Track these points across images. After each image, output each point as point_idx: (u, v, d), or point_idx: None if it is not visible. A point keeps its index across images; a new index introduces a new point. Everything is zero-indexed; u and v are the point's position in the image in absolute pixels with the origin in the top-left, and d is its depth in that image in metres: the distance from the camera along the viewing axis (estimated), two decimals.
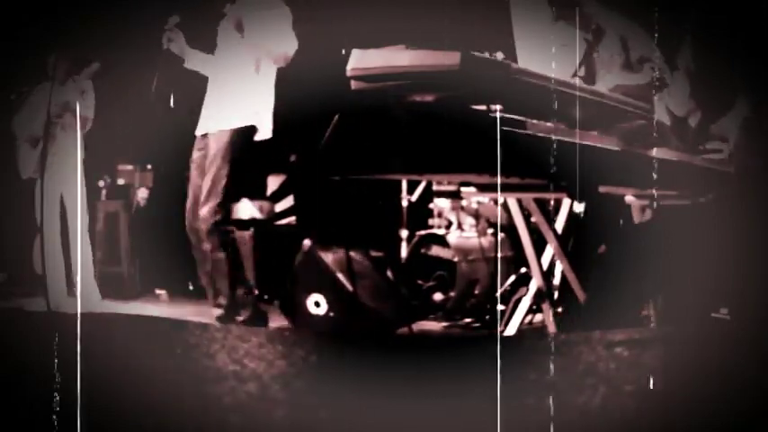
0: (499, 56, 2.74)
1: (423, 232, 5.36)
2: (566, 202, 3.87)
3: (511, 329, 4.04)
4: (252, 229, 5.85)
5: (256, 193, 6.36)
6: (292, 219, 6.14)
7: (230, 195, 3.94)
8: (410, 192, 5.70)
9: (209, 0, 4.13)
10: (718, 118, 3.76)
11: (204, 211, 3.90)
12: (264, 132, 4.04)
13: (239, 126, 3.95)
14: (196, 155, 4.08)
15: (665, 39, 3.92)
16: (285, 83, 4.24)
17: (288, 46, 3.99)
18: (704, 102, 3.72)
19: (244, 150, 3.95)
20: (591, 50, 4.02)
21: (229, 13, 4.04)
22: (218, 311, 3.97)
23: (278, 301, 4.56)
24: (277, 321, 4.39)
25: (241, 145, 3.94)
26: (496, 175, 2.76)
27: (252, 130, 4.00)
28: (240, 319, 3.95)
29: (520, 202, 3.69)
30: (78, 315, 3.03)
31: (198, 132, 4.09)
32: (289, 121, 4.28)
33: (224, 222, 3.91)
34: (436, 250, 5.24)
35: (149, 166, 6.04)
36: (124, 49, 4.38)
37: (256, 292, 3.99)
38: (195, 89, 4.22)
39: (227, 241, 3.92)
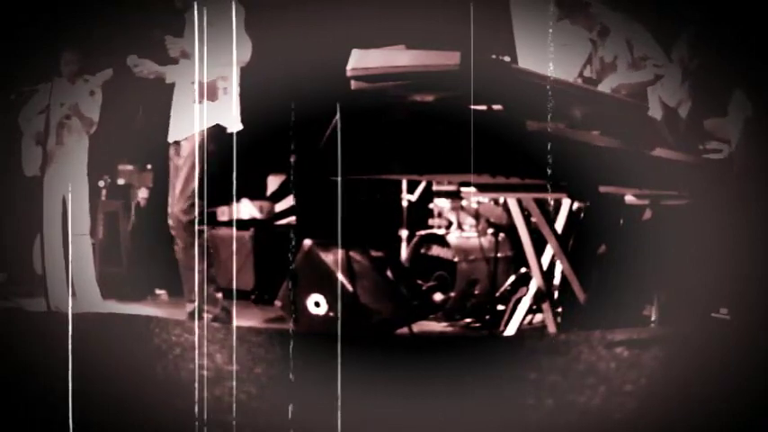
0: (506, 59, 2.74)
1: (423, 232, 5.36)
2: (566, 202, 3.87)
3: (511, 329, 4.04)
4: (252, 229, 5.86)
5: (256, 193, 6.36)
6: (292, 219, 6.14)
7: (201, 196, 4.01)
8: (410, 192, 5.69)
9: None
10: (714, 116, 3.76)
11: (176, 210, 4.03)
12: (234, 128, 4.08)
13: (207, 127, 4.01)
14: (173, 159, 4.15)
15: (666, 35, 3.92)
16: (284, 82, 4.23)
17: (244, 47, 4.02)
18: (703, 101, 3.73)
19: (213, 151, 4.02)
20: (595, 51, 4.02)
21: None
22: (191, 307, 4.02)
23: (278, 302, 4.56)
24: (244, 320, 4.43)
25: (210, 146, 4.02)
26: (496, 175, 2.76)
27: (219, 130, 4.04)
28: (210, 316, 3.98)
29: (520, 202, 3.69)
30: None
31: (170, 139, 4.15)
32: (286, 121, 4.28)
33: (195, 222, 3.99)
34: (436, 250, 5.23)
35: (149, 166, 6.04)
36: (128, 49, 4.37)
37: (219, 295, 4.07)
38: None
39: (199, 240, 3.98)
